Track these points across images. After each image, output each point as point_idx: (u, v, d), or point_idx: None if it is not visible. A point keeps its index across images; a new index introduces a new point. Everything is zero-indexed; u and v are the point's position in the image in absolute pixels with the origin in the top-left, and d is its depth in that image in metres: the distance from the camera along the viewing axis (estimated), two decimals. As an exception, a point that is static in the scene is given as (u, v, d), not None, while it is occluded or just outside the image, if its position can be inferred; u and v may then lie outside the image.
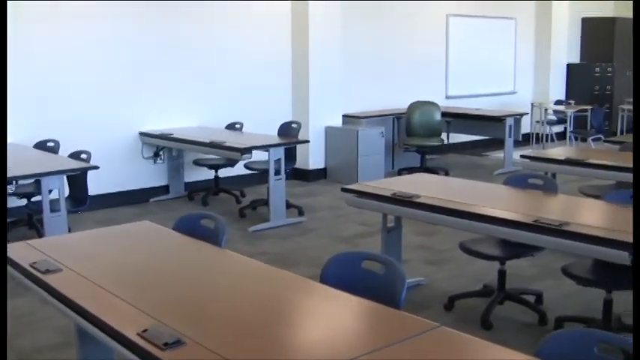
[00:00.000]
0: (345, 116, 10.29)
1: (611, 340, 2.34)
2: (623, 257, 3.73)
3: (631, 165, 6.35)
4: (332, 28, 9.89)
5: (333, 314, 2.74)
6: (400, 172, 9.99)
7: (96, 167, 6.19)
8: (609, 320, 4.60)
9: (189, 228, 3.86)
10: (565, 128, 13.14)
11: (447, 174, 10.15)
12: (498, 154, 11.54)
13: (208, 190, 8.81)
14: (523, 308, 5.12)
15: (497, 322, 4.90)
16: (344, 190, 5.23)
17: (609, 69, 15.01)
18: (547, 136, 13.48)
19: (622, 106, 14.56)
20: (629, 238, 3.77)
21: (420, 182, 5.65)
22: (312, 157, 9.95)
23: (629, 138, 8.63)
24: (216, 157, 8.43)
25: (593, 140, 12.34)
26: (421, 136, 10.42)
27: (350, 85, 10.53)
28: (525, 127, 12.64)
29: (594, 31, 15.50)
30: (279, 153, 7.57)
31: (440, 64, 12.42)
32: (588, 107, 13.07)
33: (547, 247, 4.36)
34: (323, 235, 7.31)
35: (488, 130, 11.38)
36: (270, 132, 8.54)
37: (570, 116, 12.96)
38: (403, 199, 4.79)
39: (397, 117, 10.80)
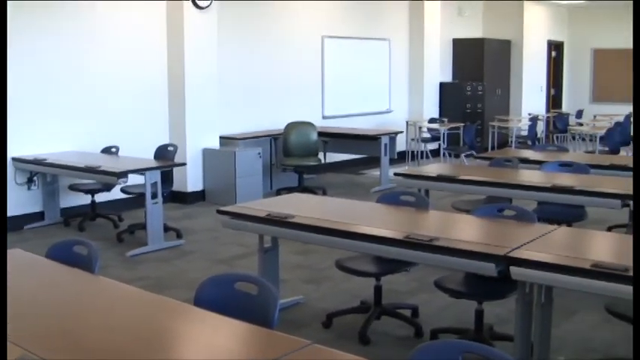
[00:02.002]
0: (222, 138, 10.28)
1: (474, 350, 2.43)
2: (491, 269, 3.86)
3: (500, 180, 6.59)
4: (208, 50, 9.87)
5: (207, 337, 2.75)
6: (279, 192, 10.03)
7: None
8: (481, 330, 4.74)
9: (63, 255, 3.79)
10: (439, 145, 13.47)
11: (324, 193, 10.26)
12: (375, 172, 11.74)
13: (85, 216, 8.64)
14: (399, 322, 5.22)
15: (374, 337, 4.99)
16: (220, 212, 5.22)
17: (480, 88, 15.52)
18: (422, 153, 13.79)
19: (492, 123, 15.06)
20: (496, 251, 3.91)
21: (296, 202, 5.71)
22: (190, 179, 9.89)
23: (498, 154, 8.94)
24: (92, 181, 8.29)
25: (466, 156, 12.70)
26: (298, 156, 10.51)
27: (227, 106, 10.53)
28: (401, 145, 12.94)
29: (465, 51, 16.03)
30: (156, 176, 7.50)
31: (316, 84, 12.57)
32: (461, 125, 13.47)
33: (419, 262, 4.47)
34: (201, 258, 7.27)
35: (365, 148, 11.58)
36: (146, 155, 8.45)
37: (444, 134, 13.32)
38: (278, 219, 4.82)
39: (274, 137, 10.87)
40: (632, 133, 13.40)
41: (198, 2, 9.62)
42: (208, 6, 9.75)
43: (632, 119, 14.57)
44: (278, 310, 2.99)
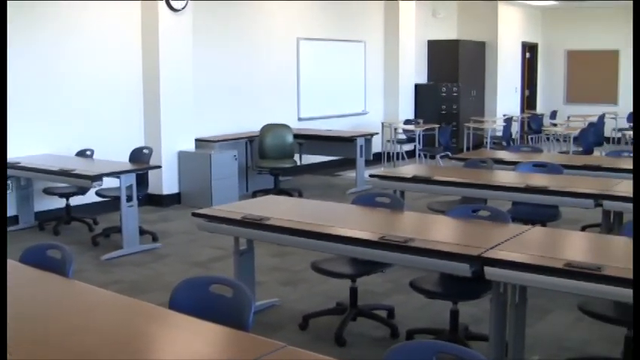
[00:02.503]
0: (197, 140, 10.26)
1: (448, 350, 2.45)
2: (465, 270, 3.88)
3: (475, 181, 6.63)
4: (183, 52, 9.85)
5: (182, 341, 2.74)
6: (254, 195, 10.02)
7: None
8: (456, 330, 4.77)
9: (36, 259, 3.76)
10: (415, 146, 13.52)
11: (300, 195, 10.27)
12: (351, 174, 11.76)
13: (60, 219, 8.59)
14: (375, 323, 5.24)
15: (350, 339, 5.00)
16: (195, 214, 5.22)
17: (455, 89, 15.58)
18: (397, 154, 13.84)
19: (467, 124, 15.13)
20: (470, 252, 3.93)
21: (272, 204, 5.72)
22: (166, 182, 9.87)
23: (473, 154, 9.00)
24: (67, 185, 8.25)
25: (441, 157, 12.76)
26: (274, 159, 10.51)
27: (202, 109, 10.52)
28: (376, 146, 12.97)
29: (440, 53, 16.09)
30: (131, 179, 7.48)
31: (291, 86, 12.57)
32: (436, 126, 13.53)
33: (394, 263, 4.50)
34: (177, 261, 7.25)
35: (340, 150, 11.60)
36: (121, 158, 8.42)
37: (419, 135, 13.37)
38: (253, 221, 4.82)
39: (250, 140, 10.86)
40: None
41: (173, 4, 9.59)
42: (183, 8, 9.73)
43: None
44: (253, 312, 3.00)
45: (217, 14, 10.99)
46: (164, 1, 9.52)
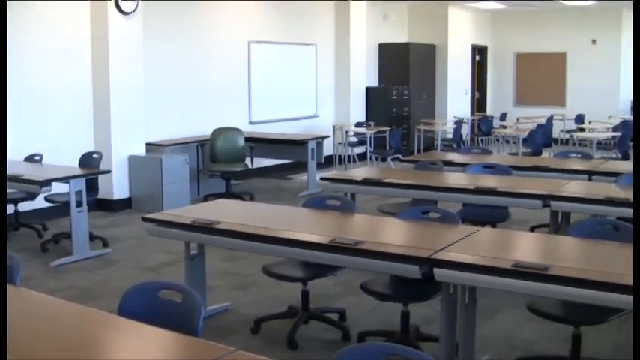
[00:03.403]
0: (148, 144, 10.19)
1: (397, 352, 2.46)
2: (415, 271, 3.91)
3: (425, 183, 6.68)
4: (133, 55, 9.76)
5: (132, 347, 2.73)
6: (206, 199, 9.99)
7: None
8: (407, 331, 4.80)
9: (-18, 267, 3.71)
10: (366, 149, 13.56)
11: (252, 198, 10.25)
12: (302, 177, 11.77)
13: (8, 226, 8.47)
14: (327, 326, 5.25)
15: (302, 342, 5.00)
16: (144, 219, 5.19)
17: (406, 92, 15.68)
18: (349, 157, 13.88)
19: (418, 127, 15.23)
20: (420, 253, 3.96)
21: (223, 208, 5.71)
22: (116, 187, 9.78)
23: (424, 157, 9.07)
24: (15, 190, 8.13)
25: (392, 160, 12.82)
26: (225, 162, 10.48)
27: (153, 113, 10.44)
28: (328, 149, 12.97)
29: (391, 56, 16.18)
30: (80, 184, 7.40)
31: (243, 90, 12.54)
32: (387, 129, 13.60)
33: (344, 265, 4.52)
34: (128, 266, 7.20)
35: (292, 153, 11.61)
36: (71, 163, 8.32)
37: (370, 138, 13.44)
38: (203, 226, 4.81)
39: (201, 144, 10.81)
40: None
41: (123, 6, 9.51)
42: (134, 10, 9.65)
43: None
44: (203, 317, 2.98)
45: (168, 17, 10.93)
46: (114, 4, 9.44)
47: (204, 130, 11.04)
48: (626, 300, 3.45)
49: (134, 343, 2.76)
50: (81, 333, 2.88)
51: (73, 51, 9.51)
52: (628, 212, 5.54)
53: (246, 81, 12.57)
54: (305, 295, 5.23)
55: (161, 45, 10.81)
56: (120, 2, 9.47)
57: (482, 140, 16.82)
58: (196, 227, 4.84)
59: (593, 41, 18.38)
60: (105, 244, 7.88)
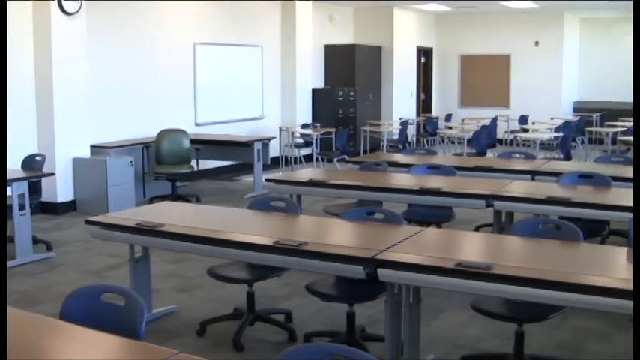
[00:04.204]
0: (93, 147, 10.08)
1: (340, 352, 2.47)
2: (359, 272, 3.93)
3: (370, 184, 6.71)
4: (77, 56, 9.64)
5: (74, 352, 2.71)
6: (152, 201, 9.91)
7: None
8: (353, 332, 4.81)
9: None
10: (312, 150, 13.59)
11: (198, 200, 10.21)
12: (249, 179, 11.74)
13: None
14: (273, 327, 5.25)
15: (248, 343, 5.00)
16: (88, 222, 5.13)
17: (351, 93, 15.74)
18: (295, 158, 13.90)
19: (364, 128, 15.29)
20: (364, 254, 3.99)
21: (167, 210, 5.68)
22: (60, 189, 9.65)
23: (369, 158, 9.12)
24: (-46, 194, 8.00)
25: (338, 161, 12.86)
26: (171, 164, 10.42)
27: (97, 114, 10.33)
28: (274, 150, 12.99)
29: (337, 57, 16.22)
30: (23, 187, 7.30)
31: (188, 91, 12.47)
32: (333, 130, 13.64)
33: (288, 267, 4.53)
34: (72, 270, 7.11)
35: (238, 155, 11.58)
36: (13, 165, 8.19)
37: (316, 139, 13.46)
38: (147, 228, 4.77)
39: (146, 146, 10.73)
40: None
41: (66, 7, 9.39)
42: (77, 11, 9.54)
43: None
44: (145, 320, 2.96)
45: (113, 18, 10.82)
46: (57, 4, 9.31)
47: (150, 132, 10.95)
48: (567, 297, 3.52)
49: (76, 347, 2.73)
50: (22, 339, 2.84)
51: (15, 52, 9.35)
52: (569, 211, 5.66)
53: (191, 82, 12.51)
54: (250, 296, 5.23)
55: (105, 46, 10.70)
56: (63, 2, 9.34)
57: (427, 141, 16.95)
58: (140, 230, 4.81)
59: (536, 43, 18.65)
60: (49, 248, 7.78)
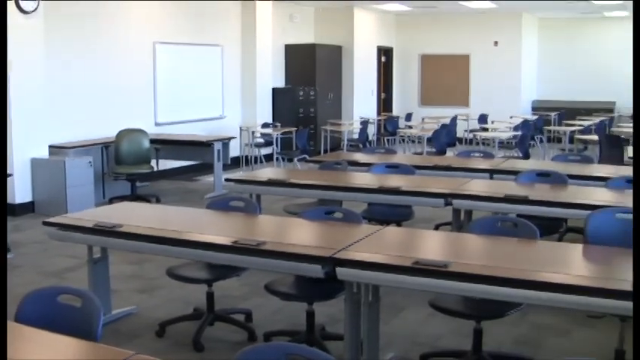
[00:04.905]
0: (51, 147, 9.98)
1: (297, 352, 2.48)
2: (317, 271, 3.94)
3: (330, 183, 6.72)
4: (34, 55, 9.53)
5: (29, 354, 2.68)
6: (111, 201, 9.84)
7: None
8: (313, 331, 4.82)
9: None
10: (273, 150, 13.58)
11: (158, 201, 10.16)
12: (209, 179, 11.71)
13: None
14: (233, 327, 5.25)
15: (208, 344, 4.98)
16: (46, 223, 5.09)
17: (312, 92, 15.75)
18: (256, 158, 13.88)
19: (325, 127, 15.31)
20: (322, 253, 4.00)
21: (126, 211, 5.65)
22: (18, 190, 9.54)
23: (330, 157, 9.15)
24: None
25: (299, 160, 12.86)
26: (130, 164, 10.35)
27: (56, 114, 10.22)
28: (235, 150, 12.96)
29: (297, 57, 16.22)
30: (-21, 188, 7.23)
31: (148, 91, 12.40)
32: (293, 129, 13.64)
33: (247, 266, 4.53)
34: (31, 272, 7.04)
35: (198, 154, 11.54)
36: (-32, 167, 8.12)
37: (277, 138, 13.46)
38: (105, 229, 4.74)
39: (106, 146, 10.64)
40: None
41: (23, 5, 9.29)
42: (34, 10, 9.44)
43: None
44: (102, 321, 2.94)
45: (71, 17, 10.72)
46: (14, 2, 9.21)
47: (109, 132, 10.87)
48: (524, 294, 3.56)
49: (31, 350, 2.71)
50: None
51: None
52: (526, 209, 5.72)
53: (151, 82, 12.44)
54: (210, 296, 5.21)
55: (64, 45, 10.60)
56: (20, 1, 9.24)
57: (388, 140, 17.01)
58: (98, 230, 4.78)
59: (496, 43, 18.81)
60: (6, 250, 7.70)
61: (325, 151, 14.81)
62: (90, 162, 9.76)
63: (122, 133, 10.52)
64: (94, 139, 10.81)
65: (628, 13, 17.73)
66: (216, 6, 13.87)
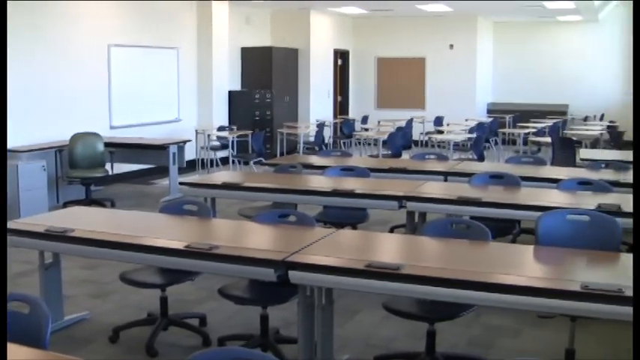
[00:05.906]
0: (3, 151, 9.86)
1: (244, 356, 2.48)
2: (270, 275, 3.93)
3: (284, 186, 6.72)
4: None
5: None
6: (65, 206, 9.74)
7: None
8: (267, 335, 4.82)
9: None
10: (229, 153, 13.54)
11: (113, 205, 10.07)
12: (165, 182, 11.64)
13: None
14: (187, 332, 5.22)
15: (162, 349, 4.95)
16: (-4, 228, 5.02)
17: (268, 95, 15.75)
18: (212, 161, 13.83)
19: (281, 130, 15.31)
20: (275, 256, 4.00)
21: (79, 215, 5.60)
22: (-31, 195, 9.43)
23: (285, 160, 9.14)
24: None
25: (255, 163, 12.83)
26: (85, 168, 10.25)
27: (8, 117, 10.06)
28: (191, 153, 12.89)
29: (253, 59, 16.21)
30: None
31: (103, 94, 12.29)
32: (249, 132, 13.61)
33: (200, 271, 4.52)
34: (-19, 277, 6.94)
35: (153, 158, 11.45)
36: None
37: (233, 141, 13.42)
38: (57, 234, 4.69)
39: (59, 149, 10.53)
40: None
41: (-28, 10, 9.17)
42: (-17, 14, 9.32)
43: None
44: (50, 328, 2.91)
45: (24, 18, 10.58)
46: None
47: (63, 136, 10.74)
48: (476, 296, 3.59)
49: (-22, 357, 2.67)
50: None
51: None
52: (480, 211, 5.77)
53: (106, 85, 12.34)
54: (164, 301, 5.18)
55: (16, 47, 10.44)
56: (-30, 4, 9.12)
57: (344, 143, 17.04)
58: (49, 235, 4.73)
59: (451, 46, 18.96)
60: (-44, 255, 7.57)
61: (281, 154, 14.80)
62: (43, 166, 9.64)
63: (76, 137, 10.41)
64: (48, 143, 10.68)
65: (581, 18, 17.99)
66: (172, 7, 13.80)
